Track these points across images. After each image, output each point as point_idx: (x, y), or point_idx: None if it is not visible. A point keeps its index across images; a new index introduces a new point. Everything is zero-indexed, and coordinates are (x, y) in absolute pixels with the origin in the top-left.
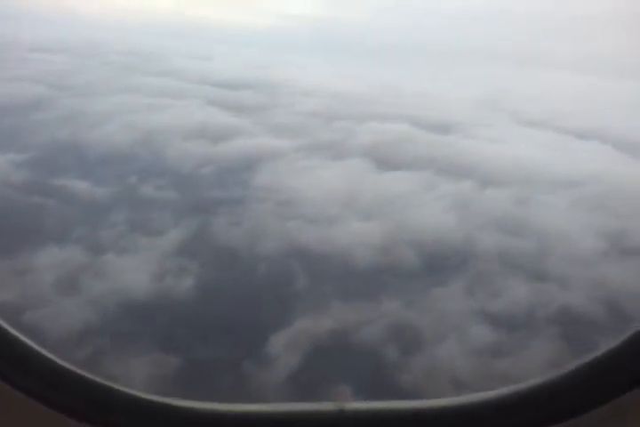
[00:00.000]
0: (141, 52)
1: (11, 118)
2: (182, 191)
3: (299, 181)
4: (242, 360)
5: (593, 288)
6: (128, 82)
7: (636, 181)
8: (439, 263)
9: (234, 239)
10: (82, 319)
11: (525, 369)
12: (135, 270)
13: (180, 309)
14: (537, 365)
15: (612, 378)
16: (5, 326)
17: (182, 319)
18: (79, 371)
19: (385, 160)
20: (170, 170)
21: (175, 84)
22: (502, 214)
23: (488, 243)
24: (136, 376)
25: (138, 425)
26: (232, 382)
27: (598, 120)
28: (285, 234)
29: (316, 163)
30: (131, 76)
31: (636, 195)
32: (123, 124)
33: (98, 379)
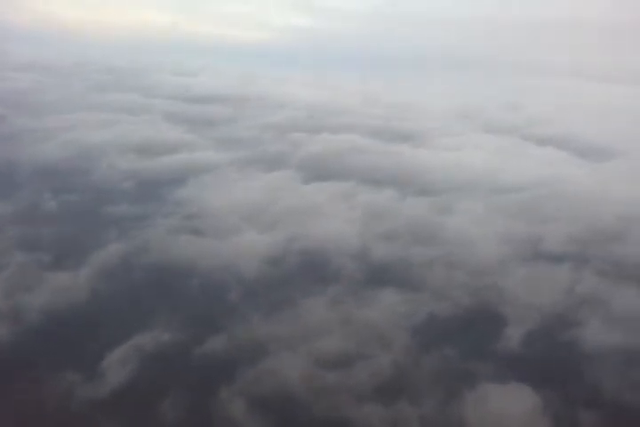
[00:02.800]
0: (125, 69)
1: None
2: (90, 206)
3: (216, 195)
4: (71, 377)
5: (471, 296)
6: (93, 99)
7: (580, 186)
8: (323, 273)
9: (118, 254)
10: None
11: (357, 381)
12: None
13: (26, 326)
14: (372, 376)
15: None
16: None
17: (25, 337)
18: None
19: (318, 171)
20: (90, 185)
21: (141, 100)
22: (414, 223)
23: (382, 252)
24: None
25: None
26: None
27: (570, 126)
28: (174, 247)
29: (246, 175)
30: (100, 93)
31: (573, 200)
32: (63, 141)
33: None
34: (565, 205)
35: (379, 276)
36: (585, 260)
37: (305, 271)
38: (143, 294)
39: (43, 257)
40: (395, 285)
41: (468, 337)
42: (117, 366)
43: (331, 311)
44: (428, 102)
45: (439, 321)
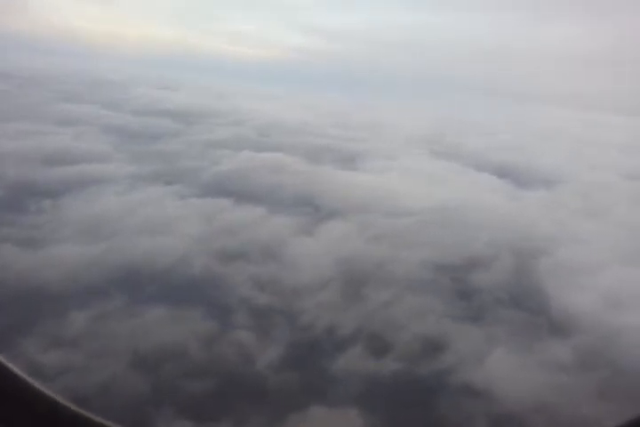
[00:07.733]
0: (108, 81)
1: None
2: None
3: (81, 206)
4: None
5: (251, 317)
6: (42, 109)
7: (482, 214)
8: (114, 287)
9: None
10: None
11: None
12: None
13: None
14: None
15: None
16: None
17: None
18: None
19: (212, 188)
20: None
21: (94, 112)
22: (261, 242)
23: (198, 269)
24: None
25: None
26: None
27: (534, 155)
28: None
29: (133, 189)
30: (56, 103)
31: (461, 226)
32: None
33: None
34: (447, 232)
35: (167, 292)
36: (424, 287)
37: (97, 285)
38: None
39: None
40: (175, 302)
41: (224, 359)
42: None
43: (87, 325)
44: (398, 125)
45: (195, 340)
